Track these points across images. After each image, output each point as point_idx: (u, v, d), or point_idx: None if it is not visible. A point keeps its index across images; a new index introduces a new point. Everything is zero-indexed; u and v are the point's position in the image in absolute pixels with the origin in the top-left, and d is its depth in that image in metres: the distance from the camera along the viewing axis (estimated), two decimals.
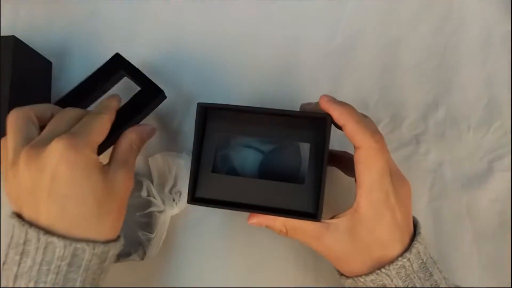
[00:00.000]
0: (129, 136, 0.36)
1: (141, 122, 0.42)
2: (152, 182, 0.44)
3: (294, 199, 0.34)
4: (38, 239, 0.30)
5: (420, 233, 0.34)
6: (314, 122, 0.35)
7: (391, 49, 0.49)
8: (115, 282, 0.43)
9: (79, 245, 0.31)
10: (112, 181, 0.33)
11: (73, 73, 0.48)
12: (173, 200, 0.43)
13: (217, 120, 0.36)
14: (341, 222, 0.33)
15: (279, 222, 0.35)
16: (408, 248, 0.33)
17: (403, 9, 0.50)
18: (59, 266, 0.30)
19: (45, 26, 0.50)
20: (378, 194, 0.32)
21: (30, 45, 0.44)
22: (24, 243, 0.30)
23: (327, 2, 0.50)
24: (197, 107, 0.35)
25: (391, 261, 0.32)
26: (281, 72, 0.48)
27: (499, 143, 0.46)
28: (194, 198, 0.35)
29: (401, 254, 0.32)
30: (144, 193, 0.42)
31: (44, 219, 0.31)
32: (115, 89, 0.48)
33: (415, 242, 0.33)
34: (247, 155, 0.37)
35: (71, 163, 0.31)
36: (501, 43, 0.48)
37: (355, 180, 0.34)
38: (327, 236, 0.34)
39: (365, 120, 0.33)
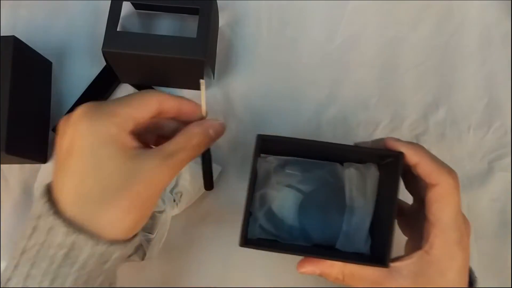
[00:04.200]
0: (191, 130, 0.30)
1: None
2: None
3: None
4: (48, 216, 0.26)
5: None
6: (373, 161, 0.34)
7: (391, 49, 0.49)
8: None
9: (79, 238, 0.26)
10: (139, 168, 0.27)
11: (73, 73, 0.48)
12: (174, 201, 0.42)
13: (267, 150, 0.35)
14: (406, 265, 0.31)
15: (336, 268, 0.32)
16: None
17: (403, 9, 0.50)
18: (55, 254, 0.26)
19: (45, 26, 0.50)
20: (454, 233, 0.30)
21: (30, 45, 0.45)
22: (39, 217, 0.27)
23: (327, 2, 0.50)
24: (256, 138, 0.31)
25: None
26: (281, 72, 0.48)
27: (499, 143, 0.46)
28: (247, 241, 0.32)
29: None
30: None
31: (57, 193, 0.27)
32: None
33: None
34: (286, 195, 0.35)
35: (84, 133, 0.27)
36: (501, 43, 0.48)
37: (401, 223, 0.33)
38: (389, 281, 0.31)
39: (436, 157, 0.31)
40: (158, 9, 0.49)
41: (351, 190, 0.34)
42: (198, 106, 0.32)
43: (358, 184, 0.34)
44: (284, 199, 0.35)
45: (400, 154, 0.30)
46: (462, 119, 0.47)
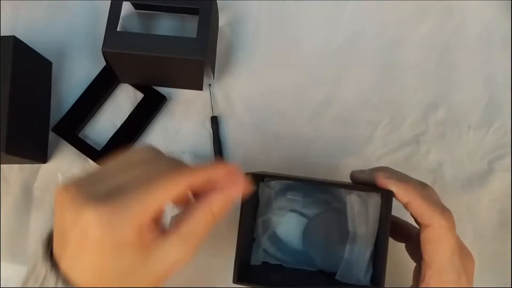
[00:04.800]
0: (214, 204, 0.27)
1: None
2: None
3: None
4: (55, 284, 0.26)
5: None
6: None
7: (391, 49, 0.49)
8: None
9: None
10: (161, 259, 0.26)
11: (73, 73, 0.48)
12: None
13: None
14: None
15: None
16: None
17: (403, 9, 0.50)
18: None
19: (45, 26, 0.50)
20: (450, 275, 0.29)
21: (30, 45, 0.44)
22: (44, 278, 0.26)
23: (327, 2, 0.50)
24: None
25: None
26: (281, 72, 0.48)
27: (499, 143, 0.46)
28: (242, 277, 0.31)
29: None
30: None
31: (64, 265, 0.26)
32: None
33: None
34: (290, 219, 0.35)
35: (98, 241, 0.24)
36: (501, 43, 0.48)
37: (408, 252, 0.32)
38: None
39: (429, 194, 0.30)
40: (158, 9, 0.49)
41: (354, 218, 0.33)
42: (233, 169, 0.28)
43: (360, 212, 0.33)
44: (288, 224, 0.35)
45: (390, 193, 0.30)
46: (462, 119, 0.47)
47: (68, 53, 0.49)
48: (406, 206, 0.30)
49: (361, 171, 0.34)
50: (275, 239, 0.35)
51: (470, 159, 0.46)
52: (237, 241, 0.31)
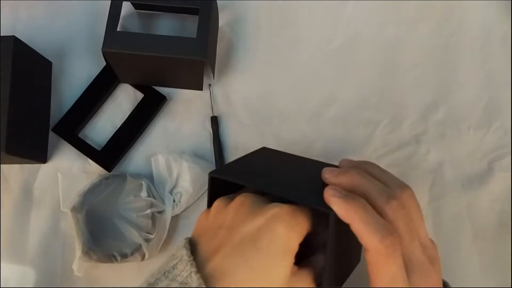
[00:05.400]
0: None
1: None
2: (152, 182, 0.44)
3: None
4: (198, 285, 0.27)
5: None
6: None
7: (391, 49, 0.49)
8: (115, 282, 0.43)
9: None
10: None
11: (73, 73, 0.49)
12: (174, 201, 0.43)
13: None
14: None
15: None
16: None
17: (403, 9, 0.50)
18: None
19: (45, 26, 0.50)
20: None
21: (30, 45, 0.45)
22: (181, 283, 0.27)
23: (327, 2, 0.50)
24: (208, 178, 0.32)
25: None
26: (281, 72, 0.48)
27: (499, 143, 0.46)
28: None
29: None
30: (144, 194, 0.42)
31: (215, 263, 0.28)
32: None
33: None
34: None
35: (276, 237, 0.28)
36: (501, 43, 0.48)
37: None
38: None
39: (374, 217, 0.28)
40: (158, 9, 0.49)
41: None
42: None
43: None
44: None
45: (331, 212, 0.28)
46: (462, 119, 0.47)
47: (68, 53, 0.49)
48: (350, 226, 0.29)
49: (332, 170, 0.32)
50: None
51: (470, 159, 0.46)
52: None
